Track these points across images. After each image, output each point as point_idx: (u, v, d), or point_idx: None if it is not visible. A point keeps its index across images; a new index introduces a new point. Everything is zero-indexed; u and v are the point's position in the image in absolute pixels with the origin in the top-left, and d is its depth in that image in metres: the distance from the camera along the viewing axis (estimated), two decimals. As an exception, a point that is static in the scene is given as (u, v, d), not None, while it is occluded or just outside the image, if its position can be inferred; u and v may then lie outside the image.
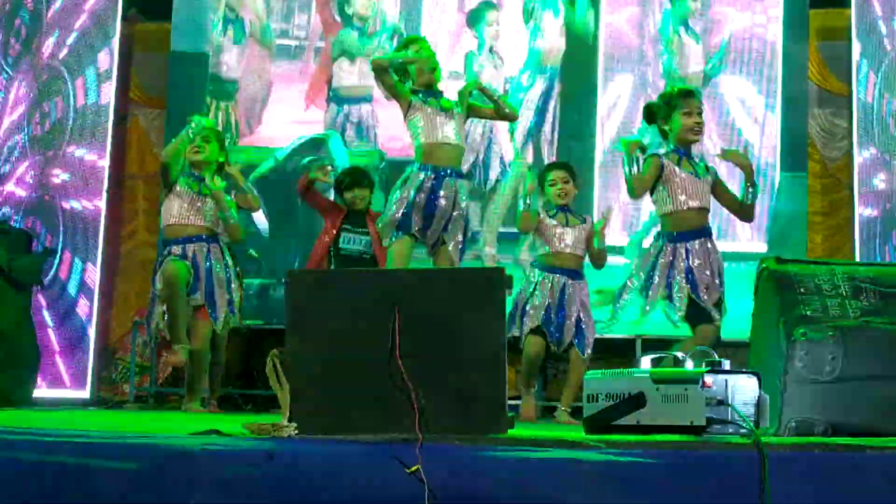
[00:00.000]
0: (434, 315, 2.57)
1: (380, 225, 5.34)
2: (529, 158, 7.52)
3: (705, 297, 5.02)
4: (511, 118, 5.83)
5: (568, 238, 5.81)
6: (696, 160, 5.19)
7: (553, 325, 5.74)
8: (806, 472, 2.34)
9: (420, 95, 5.34)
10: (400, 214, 5.21)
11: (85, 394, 7.15)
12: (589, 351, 5.78)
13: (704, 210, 5.12)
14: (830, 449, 2.41)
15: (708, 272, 5.03)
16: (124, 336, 7.48)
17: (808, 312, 2.95)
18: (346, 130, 7.69)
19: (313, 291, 2.68)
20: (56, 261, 7.17)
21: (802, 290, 3.00)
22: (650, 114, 5.23)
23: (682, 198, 5.04)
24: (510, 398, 6.42)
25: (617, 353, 6.61)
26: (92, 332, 7.29)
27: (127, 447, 2.50)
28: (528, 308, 5.77)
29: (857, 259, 6.95)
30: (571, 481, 2.33)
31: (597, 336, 6.03)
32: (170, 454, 2.43)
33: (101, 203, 7.39)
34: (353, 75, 7.74)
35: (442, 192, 5.24)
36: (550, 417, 6.11)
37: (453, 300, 2.59)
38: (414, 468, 2.29)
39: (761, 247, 7.16)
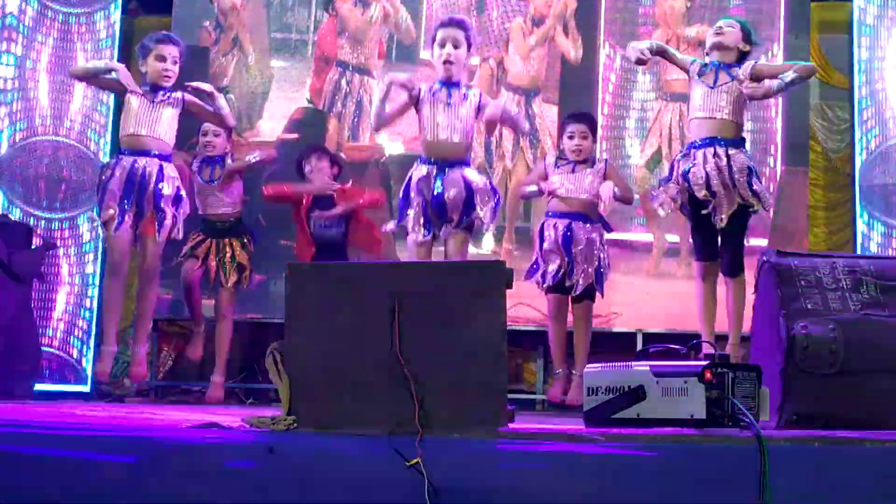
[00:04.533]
0: (434, 308, 2.57)
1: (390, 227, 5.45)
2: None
3: None
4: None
5: (569, 182, 5.74)
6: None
7: (563, 274, 5.66)
8: (806, 466, 2.34)
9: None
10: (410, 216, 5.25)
11: (86, 388, 7.15)
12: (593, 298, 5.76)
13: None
14: (830, 442, 2.41)
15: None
16: (125, 329, 7.46)
17: (809, 306, 2.95)
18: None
19: (313, 284, 2.68)
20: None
21: (803, 283, 3.00)
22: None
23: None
24: (519, 391, 6.48)
25: (617, 346, 6.60)
26: (92, 325, 7.29)
27: (127, 440, 2.50)
28: (544, 264, 5.72)
29: (859, 251, 6.95)
30: (571, 474, 2.33)
31: (598, 330, 6.05)
32: (169, 447, 2.43)
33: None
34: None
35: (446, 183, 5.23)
36: (564, 411, 6.10)
37: (454, 293, 2.59)
38: (414, 461, 2.30)
39: (762, 241, 7.15)
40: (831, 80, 7.52)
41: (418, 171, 5.33)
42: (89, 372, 7.19)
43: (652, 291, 7.18)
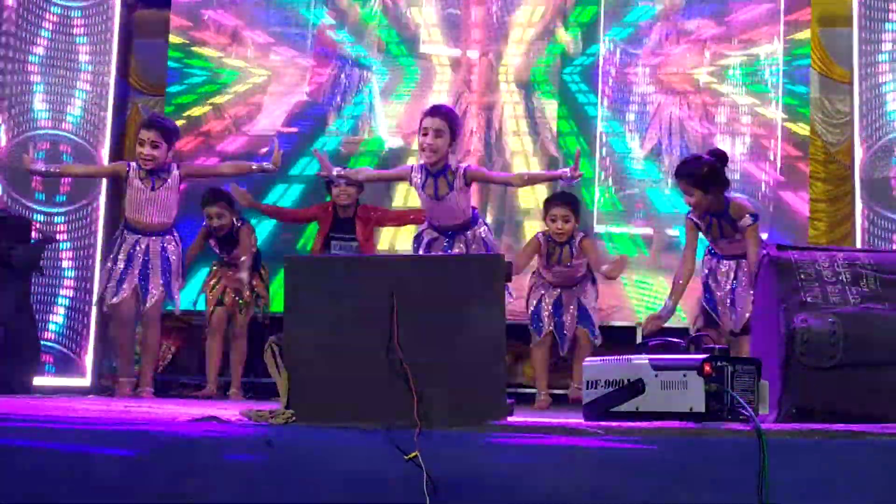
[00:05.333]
0: (433, 302, 2.57)
1: None
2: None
3: None
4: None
5: (558, 268, 6.15)
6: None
7: (556, 327, 6.13)
8: (805, 459, 2.34)
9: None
10: None
11: (86, 382, 7.15)
12: (597, 332, 6.15)
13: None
14: (830, 435, 2.41)
15: None
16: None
17: (809, 299, 2.94)
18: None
19: (312, 278, 2.68)
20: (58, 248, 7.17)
21: (803, 276, 3.00)
22: None
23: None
24: (521, 386, 6.55)
25: (618, 340, 6.60)
26: (92, 319, 7.29)
27: (126, 434, 2.50)
28: (538, 319, 6.15)
29: (859, 245, 6.94)
30: (570, 468, 2.33)
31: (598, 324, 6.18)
32: (169, 441, 2.43)
33: (101, 190, 7.38)
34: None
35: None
36: (562, 405, 6.16)
37: (452, 287, 2.59)
38: (412, 455, 2.29)
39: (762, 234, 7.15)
40: (832, 74, 7.51)
41: (428, 234, 5.88)
42: (89, 366, 7.19)
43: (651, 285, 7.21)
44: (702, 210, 5.48)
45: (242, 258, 6.33)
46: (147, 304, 6.04)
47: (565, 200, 6.14)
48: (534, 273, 6.27)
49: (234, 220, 6.51)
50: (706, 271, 5.68)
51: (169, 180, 6.08)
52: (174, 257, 6.11)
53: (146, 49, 8.08)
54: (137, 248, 6.04)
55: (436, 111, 5.75)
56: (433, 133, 5.61)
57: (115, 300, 6.04)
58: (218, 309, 6.49)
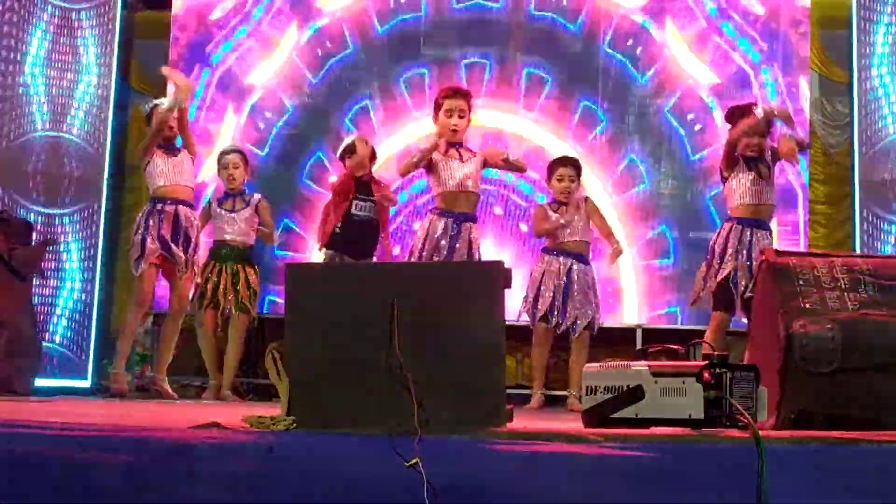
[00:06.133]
0: (433, 308, 2.58)
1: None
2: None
3: None
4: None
5: (568, 229, 6.28)
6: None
7: (557, 309, 6.16)
8: (804, 466, 2.34)
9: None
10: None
11: (86, 383, 7.17)
12: (594, 332, 6.25)
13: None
14: (828, 442, 2.42)
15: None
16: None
17: (807, 304, 2.95)
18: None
19: (312, 285, 2.69)
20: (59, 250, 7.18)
21: (801, 282, 3.01)
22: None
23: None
24: (518, 387, 6.59)
25: (617, 342, 6.62)
26: (93, 320, 7.30)
27: (126, 440, 2.50)
28: (538, 294, 6.21)
29: (858, 247, 6.96)
30: (570, 475, 2.33)
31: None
32: (170, 447, 2.44)
33: (102, 191, 7.40)
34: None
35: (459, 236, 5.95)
36: (557, 406, 6.18)
37: (452, 293, 2.60)
38: (413, 461, 2.30)
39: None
40: (831, 75, 7.52)
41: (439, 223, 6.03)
42: (90, 367, 7.20)
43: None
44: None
45: (268, 231, 6.76)
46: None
47: (571, 162, 6.50)
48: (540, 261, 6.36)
49: (246, 177, 6.77)
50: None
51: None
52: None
53: (147, 50, 8.09)
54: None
55: (458, 92, 6.21)
56: (457, 114, 6.09)
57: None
58: (210, 311, 6.54)
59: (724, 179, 5.88)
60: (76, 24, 7.42)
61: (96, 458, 2.42)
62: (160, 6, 7.99)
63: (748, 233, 5.73)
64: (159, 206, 6.25)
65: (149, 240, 6.15)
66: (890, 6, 7.12)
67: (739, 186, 5.79)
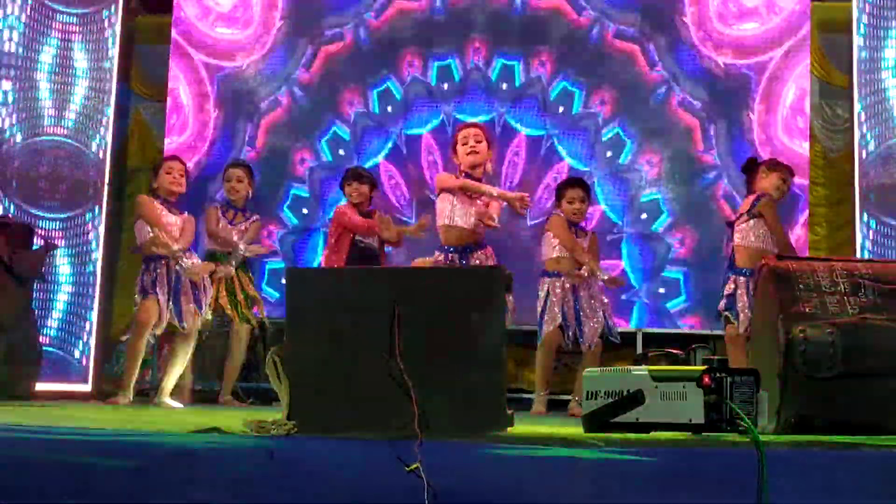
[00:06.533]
0: (434, 313, 2.58)
1: None
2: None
3: None
4: None
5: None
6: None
7: (572, 329, 6.18)
8: (804, 470, 2.35)
9: None
10: None
11: (87, 387, 7.17)
12: (616, 339, 6.23)
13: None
14: (829, 447, 2.42)
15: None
16: (126, 328, 7.46)
17: (807, 309, 2.95)
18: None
19: (313, 289, 2.69)
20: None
21: (801, 287, 3.01)
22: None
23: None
24: (517, 391, 6.61)
25: (618, 346, 6.61)
26: (94, 324, 7.30)
27: (127, 445, 2.51)
28: (546, 312, 6.22)
29: (858, 250, 6.96)
30: (571, 479, 2.33)
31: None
32: (170, 452, 2.44)
33: (103, 196, 7.40)
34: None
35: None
36: (559, 411, 6.18)
37: (453, 298, 2.60)
38: (414, 466, 2.30)
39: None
40: (831, 80, 7.53)
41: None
42: (91, 371, 7.20)
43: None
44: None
45: (256, 246, 6.79)
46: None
47: (580, 184, 6.56)
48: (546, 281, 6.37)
49: (250, 192, 6.88)
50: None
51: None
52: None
53: (148, 55, 8.10)
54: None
55: (474, 124, 6.42)
56: (473, 138, 6.15)
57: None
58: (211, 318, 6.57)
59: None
60: (76, 29, 7.42)
61: (97, 462, 2.42)
62: (162, 10, 7.99)
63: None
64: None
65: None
66: (890, 10, 7.12)
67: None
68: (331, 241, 6.67)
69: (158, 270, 6.22)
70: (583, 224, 6.60)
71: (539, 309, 6.25)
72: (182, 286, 6.24)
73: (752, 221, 5.98)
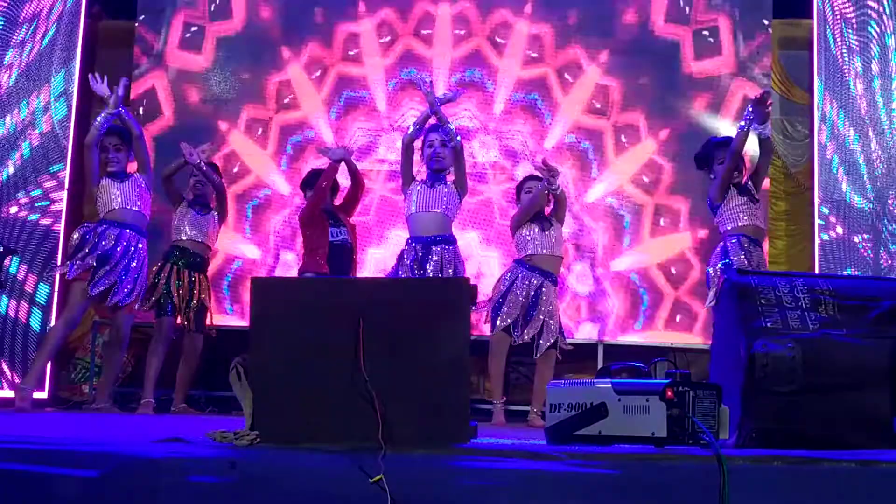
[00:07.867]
0: (398, 325, 2.58)
1: None
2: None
3: None
4: None
5: (545, 242, 6.20)
6: None
7: (519, 325, 6.06)
8: (765, 485, 2.37)
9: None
10: None
11: (43, 394, 7.07)
12: (562, 348, 6.11)
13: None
14: (789, 462, 2.44)
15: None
16: (84, 335, 7.39)
17: (769, 324, 2.97)
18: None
19: (278, 299, 2.68)
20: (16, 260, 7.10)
21: (763, 301, 3.03)
22: None
23: None
24: (480, 401, 6.59)
25: (578, 358, 6.64)
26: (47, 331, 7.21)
27: (88, 454, 2.48)
28: (502, 306, 6.08)
29: (818, 264, 7.04)
30: (534, 492, 2.34)
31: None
32: (132, 461, 2.42)
33: (62, 203, 7.34)
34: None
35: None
36: (519, 421, 6.18)
37: (418, 310, 2.60)
38: (377, 478, 2.30)
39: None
40: (792, 96, 7.62)
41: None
42: (46, 380, 7.10)
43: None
44: None
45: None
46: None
47: (538, 177, 6.37)
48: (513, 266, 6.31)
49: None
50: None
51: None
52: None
53: (111, 60, 8.04)
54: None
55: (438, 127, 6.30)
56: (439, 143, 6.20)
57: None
58: (165, 318, 6.38)
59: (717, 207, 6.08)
60: (39, 34, 7.37)
61: (57, 471, 2.40)
62: (124, 16, 7.94)
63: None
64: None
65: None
66: (848, 29, 7.22)
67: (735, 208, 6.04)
68: (305, 242, 6.59)
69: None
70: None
71: (499, 293, 6.15)
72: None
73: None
